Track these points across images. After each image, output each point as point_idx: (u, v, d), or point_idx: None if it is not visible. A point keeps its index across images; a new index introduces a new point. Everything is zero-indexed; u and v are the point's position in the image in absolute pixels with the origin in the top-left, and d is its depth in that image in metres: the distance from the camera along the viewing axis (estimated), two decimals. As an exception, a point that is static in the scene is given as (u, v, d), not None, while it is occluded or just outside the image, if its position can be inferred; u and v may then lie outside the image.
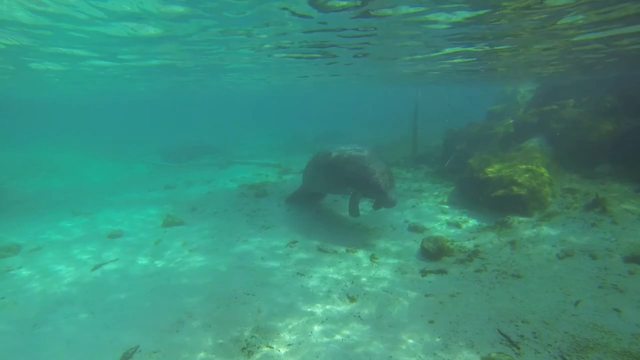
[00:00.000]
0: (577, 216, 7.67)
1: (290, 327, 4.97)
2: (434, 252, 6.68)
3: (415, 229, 8.12)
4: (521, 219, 7.90)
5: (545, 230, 7.37)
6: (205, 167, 19.10)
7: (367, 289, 5.87)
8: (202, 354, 4.51)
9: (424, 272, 6.25)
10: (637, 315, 4.74)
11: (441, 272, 6.23)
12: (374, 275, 6.33)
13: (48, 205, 12.38)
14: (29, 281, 6.65)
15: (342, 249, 7.39)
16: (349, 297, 5.60)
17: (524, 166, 8.73)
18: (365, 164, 7.60)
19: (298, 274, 6.47)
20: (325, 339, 4.68)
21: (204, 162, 20.48)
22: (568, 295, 5.31)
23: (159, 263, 7.21)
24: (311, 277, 6.35)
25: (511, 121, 12.97)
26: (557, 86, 14.24)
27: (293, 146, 24.60)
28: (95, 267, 7.05)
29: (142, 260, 7.36)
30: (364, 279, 6.21)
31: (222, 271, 6.73)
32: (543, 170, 8.75)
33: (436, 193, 10.53)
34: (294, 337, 4.74)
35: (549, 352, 4.22)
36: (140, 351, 4.60)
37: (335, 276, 6.33)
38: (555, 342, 4.39)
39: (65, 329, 5.16)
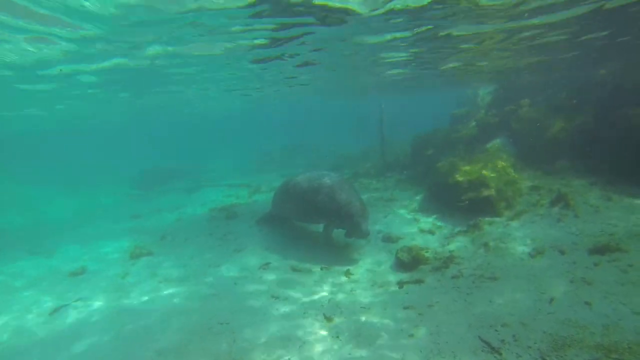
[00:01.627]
0: (544, 213, 7.89)
1: (266, 354, 4.73)
2: (409, 262, 6.64)
3: (389, 239, 8.08)
4: (492, 219, 8.03)
5: (516, 229, 7.51)
6: (174, 192, 18.50)
7: (344, 306, 5.71)
8: (173, 398, 4.19)
9: (400, 284, 6.18)
10: (605, 306, 4.84)
11: (418, 281, 6.17)
12: (350, 291, 6.19)
13: (0, 245, 11.52)
14: (-22, 335, 6.06)
15: (317, 267, 7.22)
16: (325, 317, 5.42)
17: (490, 167, 8.93)
18: (336, 195, 7.50)
19: (272, 297, 6.24)
20: (305, 366, 4.48)
21: (172, 187, 19.85)
22: (543, 293, 5.37)
23: (126, 300, 6.77)
24: (286, 299, 6.13)
25: (474, 123, 13.36)
26: (514, 87, 14.87)
27: (261, 164, 24.34)
28: (53, 312, 6.52)
29: (108, 298, 6.89)
30: (340, 296, 6.05)
31: (194, 301, 6.39)
32: (509, 170, 8.98)
33: (407, 201, 10.59)
34: (271, 368, 4.50)
35: (530, 355, 4.21)
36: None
37: (311, 296, 6.14)
38: (535, 343, 4.39)
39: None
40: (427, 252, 7.14)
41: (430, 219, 8.97)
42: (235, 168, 25.09)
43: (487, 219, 8.04)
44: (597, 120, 9.72)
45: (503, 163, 9.21)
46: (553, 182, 9.23)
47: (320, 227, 8.32)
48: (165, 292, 6.87)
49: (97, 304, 6.73)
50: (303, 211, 8.21)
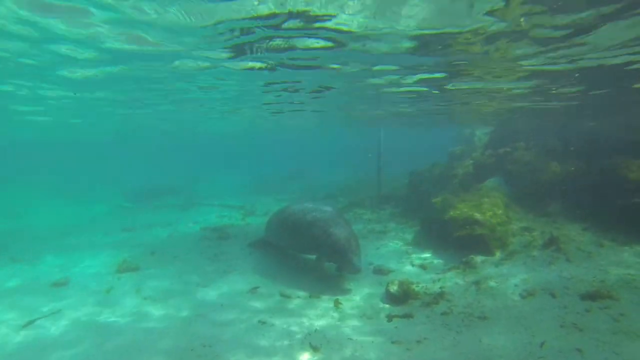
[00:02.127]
0: (536, 255, 7.90)
1: (249, 383, 4.57)
2: (400, 296, 6.55)
3: (380, 271, 8.01)
4: (484, 258, 8.02)
5: (508, 269, 7.49)
6: (167, 208, 18.36)
7: (332, 337, 5.58)
8: (147, 422, 4.00)
9: (389, 317, 6.07)
10: (597, 355, 4.76)
11: (407, 316, 6.07)
12: (338, 321, 6.07)
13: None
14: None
15: (306, 295, 7.09)
16: (312, 347, 5.28)
17: (484, 206, 9.02)
18: (330, 229, 7.52)
19: (259, 322, 6.09)
20: (287, 396, 4.32)
21: (166, 204, 19.72)
22: (533, 336, 5.29)
23: (108, 315, 6.57)
24: (273, 325, 5.99)
25: (470, 162, 13.58)
26: (510, 130, 15.26)
27: (257, 187, 24.36)
28: (28, 324, 6.29)
29: (89, 311, 6.69)
30: (327, 326, 5.92)
31: (178, 320, 6.22)
32: (502, 209, 9.07)
33: (400, 234, 10.58)
34: (252, 396, 4.34)
35: (518, 399, 4.10)
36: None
37: (298, 324, 6.01)
38: (523, 387, 4.28)
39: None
40: (417, 286, 7.06)
41: (423, 254, 8.94)
42: (230, 189, 25.05)
43: (479, 257, 8.03)
44: (589, 168, 9.95)
45: (497, 202, 9.32)
46: (545, 225, 9.30)
47: (312, 255, 8.25)
48: (149, 310, 6.69)
49: (77, 317, 6.52)
50: (296, 242, 8.22)
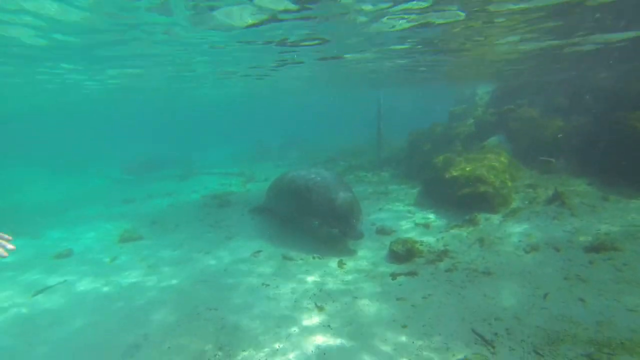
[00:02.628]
0: (540, 210, 7.84)
1: (255, 342, 4.61)
2: (404, 254, 6.55)
3: (383, 231, 7.99)
4: (488, 215, 7.98)
5: (511, 225, 7.46)
6: (166, 179, 18.25)
7: (336, 296, 5.61)
8: (157, 382, 4.06)
9: (394, 275, 6.08)
10: (600, 304, 4.79)
11: (411, 274, 6.09)
12: (342, 281, 6.09)
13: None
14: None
15: (309, 257, 7.10)
16: (317, 307, 5.31)
17: (488, 163, 8.86)
18: (331, 195, 7.32)
19: (263, 284, 6.11)
20: (295, 354, 4.37)
21: (165, 174, 19.59)
22: (537, 289, 5.31)
23: (113, 282, 6.60)
24: (277, 287, 6.01)
25: (472, 121, 13.30)
26: (512, 87, 14.82)
27: (257, 154, 24.13)
28: (36, 293, 6.33)
29: (94, 281, 6.71)
30: (332, 286, 5.95)
31: (183, 287, 6.25)
32: (506, 167, 8.92)
33: (402, 195, 10.51)
34: (260, 354, 4.39)
35: (523, 348, 4.14)
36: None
37: (302, 285, 6.03)
38: (528, 337, 4.32)
39: (-3, 366, 4.53)
40: (421, 245, 7.05)
41: (425, 213, 8.90)
42: (230, 157, 24.84)
43: (482, 214, 7.98)
44: (597, 121, 9.69)
45: (500, 160, 9.16)
46: (549, 181, 9.20)
47: (314, 221, 8.18)
48: (154, 277, 6.71)
49: (83, 286, 6.55)
50: (297, 209, 8.07)
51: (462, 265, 6.25)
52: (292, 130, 35.08)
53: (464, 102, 18.02)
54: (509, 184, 8.61)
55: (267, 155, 23.44)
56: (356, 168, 14.97)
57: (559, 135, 9.94)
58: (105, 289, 6.41)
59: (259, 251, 7.49)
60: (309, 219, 8.15)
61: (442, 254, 6.62)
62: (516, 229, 7.30)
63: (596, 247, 6.03)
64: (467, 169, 8.78)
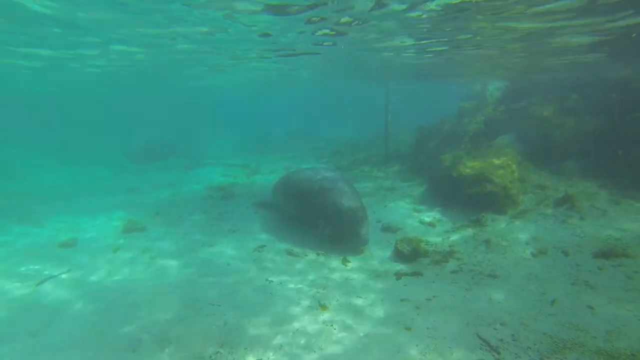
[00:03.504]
0: (548, 213, 7.70)
1: (257, 338, 4.56)
2: (409, 254, 6.46)
3: (388, 229, 7.90)
4: (495, 216, 7.85)
5: (519, 227, 7.34)
6: (171, 168, 18.25)
7: (340, 295, 5.55)
8: (157, 378, 4.04)
9: (398, 275, 6.01)
10: (608, 312, 4.70)
11: (416, 274, 6.01)
12: (346, 280, 6.02)
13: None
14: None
15: (312, 253, 7.04)
16: (321, 306, 5.26)
17: (496, 163, 8.71)
18: (336, 199, 7.21)
19: (266, 280, 6.07)
20: (296, 353, 4.32)
21: (169, 163, 19.57)
22: (544, 294, 5.22)
23: (116, 273, 6.59)
24: (280, 283, 5.96)
25: (482, 118, 13.07)
26: (524, 85, 14.52)
27: (262, 146, 24.02)
28: (40, 282, 6.33)
29: (98, 271, 6.70)
30: (335, 285, 5.88)
31: (185, 280, 6.22)
32: (515, 167, 8.76)
33: (408, 192, 10.39)
34: (262, 352, 4.34)
35: (529, 356, 4.06)
36: (85, 378, 4.06)
37: (306, 283, 5.97)
38: (535, 344, 4.24)
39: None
40: (427, 244, 6.96)
41: (431, 212, 8.78)
42: (235, 148, 24.75)
43: (490, 215, 7.86)
44: (612, 122, 9.46)
45: (509, 160, 8.99)
46: (559, 183, 9.03)
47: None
48: (156, 269, 6.69)
49: (86, 276, 6.54)
50: (302, 210, 7.97)
51: (467, 267, 6.16)
52: (299, 121, 34.87)
53: (474, 97, 17.71)
54: (518, 184, 8.46)
55: (273, 146, 23.34)
56: (362, 162, 14.85)
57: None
58: (108, 278, 6.39)
59: (263, 246, 7.44)
60: (315, 220, 7.98)
61: (447, 255, 6.53)
62: (524, 231, 7.18)
63: (606, 253, 5.91)
64: (475, 167, 8.63)
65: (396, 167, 13.72)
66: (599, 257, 5.95)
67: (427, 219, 8.32)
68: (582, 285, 5.33)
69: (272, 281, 6.04)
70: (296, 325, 4.85)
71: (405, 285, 5.76)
